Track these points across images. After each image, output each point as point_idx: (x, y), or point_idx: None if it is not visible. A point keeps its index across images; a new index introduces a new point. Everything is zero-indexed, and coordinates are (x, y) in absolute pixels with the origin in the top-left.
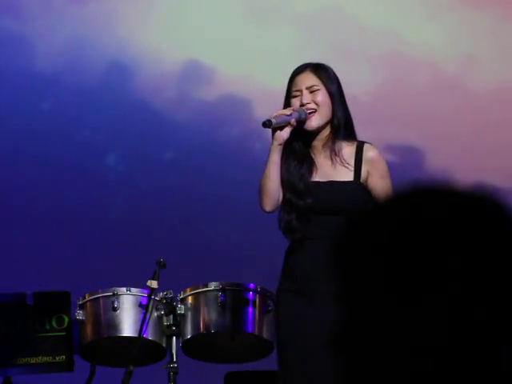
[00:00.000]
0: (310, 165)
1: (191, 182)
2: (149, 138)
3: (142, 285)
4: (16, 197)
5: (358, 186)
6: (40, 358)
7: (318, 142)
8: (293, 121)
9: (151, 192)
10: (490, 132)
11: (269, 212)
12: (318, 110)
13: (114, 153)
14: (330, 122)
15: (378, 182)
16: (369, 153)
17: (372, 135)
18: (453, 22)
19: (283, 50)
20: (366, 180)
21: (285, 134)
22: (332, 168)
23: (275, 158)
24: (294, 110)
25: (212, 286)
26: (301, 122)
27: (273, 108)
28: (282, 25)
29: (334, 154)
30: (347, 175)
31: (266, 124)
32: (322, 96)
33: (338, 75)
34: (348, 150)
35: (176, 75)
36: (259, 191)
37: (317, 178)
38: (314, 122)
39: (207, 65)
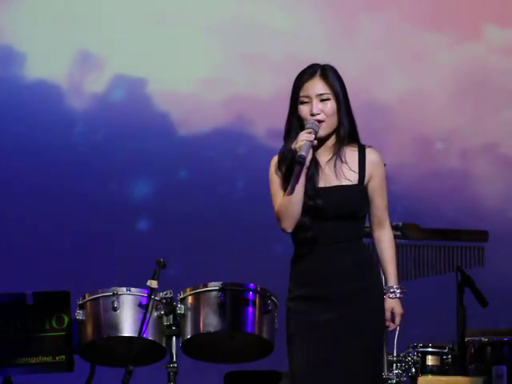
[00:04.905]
0: (317, 169)
1: (191, 181)
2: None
3: (142, 285)
4: (16, 198)
5: (362, 190)
6: (40, 357)
7: (323, 147)
8: (315, 142)
9: (151, 192)
10: (390, 134)
11: (289, 233)
12: (326, 120)
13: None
14: (336, 130)
15: (378, 185)
16: (372, 156)
17: (275, 135)
18: (355, 26)
19: (186, 52)
20: (368, 183)
21: (310, 156)
22: (336, 172)
23: (302, 181)
24: (310, 129)
25: (212, 286)
26: (316, 134)
27: (170, 104)
28: (187, 28)
29: (340, 160)
30: (351, 179)
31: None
32: (331, 106)
33: (241, 78)
34: (351, 154)
35: (67, 65)
36: (281, 215)
37: (322, 182)
38: (321, 131)
39: (97, 56)
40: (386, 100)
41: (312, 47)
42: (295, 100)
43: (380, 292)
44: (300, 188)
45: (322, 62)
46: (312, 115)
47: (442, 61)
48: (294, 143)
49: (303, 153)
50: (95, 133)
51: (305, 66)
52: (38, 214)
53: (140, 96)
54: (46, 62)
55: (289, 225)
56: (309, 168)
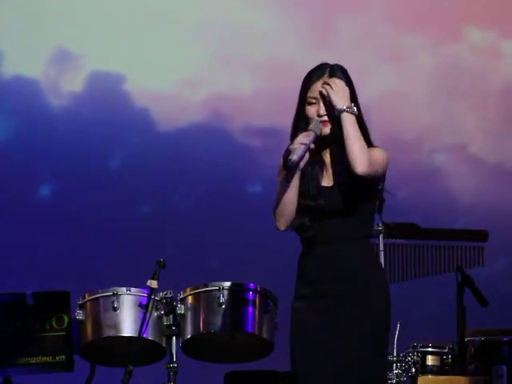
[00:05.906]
0: (321, 168)
1: (192, 183)
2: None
3: (142, 285)
4: (16, 198)
5: (366, 188)
6: (40, 357)
7: (329, 146)
8: (312, 146)
9: (152, 192)
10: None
11: (283, 231)
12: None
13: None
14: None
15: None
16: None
17: (259, 135)
18: (335, 26)
19: (164, 51)
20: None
21: (305, 159)
22: (341, 171)
23: (296, 183)
24: (310, 131)
25: (212, 286)
26: (317, 137)
27: (148, 103)
28: (165, 28)
29: (345, 159)
30: (355, 177)
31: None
32: None
33: (220, 79)
34: None
35: (44, 63)
36: (276, 213)
37: (326, 181)
38: (327, 129)
39: (74, 54)
40: (365, 100)
41: (291, 48)
42: (303, 100)
43: (383, 292)
44: (292, 190)
45: (300, 62)
46: (319, 116)
47: (422, 62)
48: (292, 145)
49: (294, 157)
50: (75, 129)
51: (284, 67)
52: (39, 214)
53: (118, 94)
54: (23, 60)
55: (281, 224)
56: (313, 167)
